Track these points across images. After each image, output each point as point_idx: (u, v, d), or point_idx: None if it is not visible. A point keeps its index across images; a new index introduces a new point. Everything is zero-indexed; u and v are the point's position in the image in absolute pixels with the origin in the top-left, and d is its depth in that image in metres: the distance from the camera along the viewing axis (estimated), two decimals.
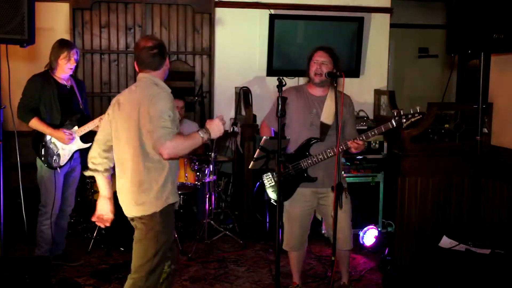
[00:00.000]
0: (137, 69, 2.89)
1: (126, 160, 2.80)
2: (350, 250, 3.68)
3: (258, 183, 3.73)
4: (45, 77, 3.97)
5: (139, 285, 2.79)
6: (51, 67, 4.00)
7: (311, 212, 3.63)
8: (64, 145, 4.01)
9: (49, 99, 3.95)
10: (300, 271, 3.74)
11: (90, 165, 2.97)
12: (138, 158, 2.74)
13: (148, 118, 2.66)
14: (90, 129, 4.08)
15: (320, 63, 3.42)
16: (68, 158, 4.05)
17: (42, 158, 3.98)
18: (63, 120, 4.02)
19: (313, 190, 3.52)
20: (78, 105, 4.13)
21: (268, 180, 3.64)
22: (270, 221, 4.93)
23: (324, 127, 3.45)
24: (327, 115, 3.46)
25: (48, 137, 4.00)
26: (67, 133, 3.98)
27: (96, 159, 2.95)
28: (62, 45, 3.99)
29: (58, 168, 4.00)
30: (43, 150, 3.99)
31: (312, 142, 3.48)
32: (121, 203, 2.92)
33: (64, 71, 4.00)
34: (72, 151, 4.08)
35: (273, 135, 3.59)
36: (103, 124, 2.95)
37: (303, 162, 3.48)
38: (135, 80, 6.11)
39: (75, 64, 4.03)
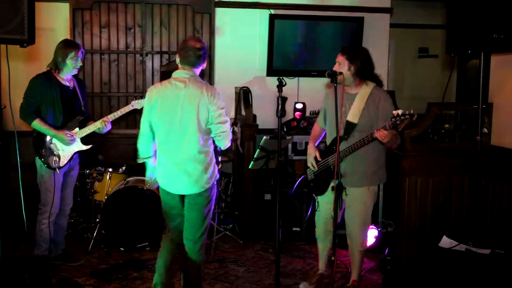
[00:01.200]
0: (178, 61, 3.26)
1: (179, 147, 3.20)
2: (363, 251, 3.74)
3: (301, 177, 4.01)
4: (48, 78, 3.98)
5: (201, 245, 3.32)
6: (57, 67, 3.99)
7: (336, 206, 3.61)
8: (64, 146, 4.02)
9: (51, 99, 3.95)
10: (324, 260, 3.89)
11: (141, 154, 3.40)
12: (196, 145, 3.19)
13: (207, 112, 3.15)
14: (91, 131, 4.09)
15: (337, 63, 3.52)
16: (68, 159, 4.06)
17: (42, 159, 3.98)
18: (65, 121, 4.03)
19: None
20: (80, 106, 4.14)
21: (310, 175, 3.82)
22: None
23: (348, 125, 3.50)
24: (353, 113, 3.50)
25: (48, 138, 4.01)
26: (69, 134, 3.99)
27: (148, 150, 3.38)
28: (69, 45, 4.01)
29: (57, 169, 4.00)
30: (43, 150, 3.99)
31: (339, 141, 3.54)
32: (174, 187, 3.29)
33: (71, 71, 4.02)
34: (72, 152, 4.08)
35: (323, 135, 3.86)
36: (145, 119, 3.33)
37: (330, 159, 3.59)
38: (135, 80, 6.14)
39: (81, 64, 4.06)
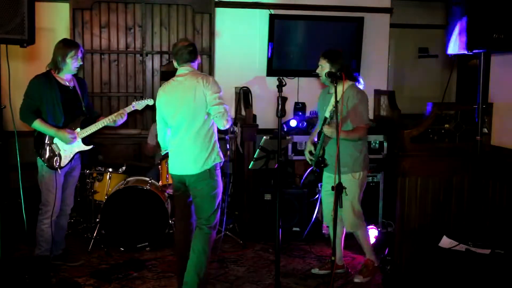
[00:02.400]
0: (175, 64, 3.63)
1: (179, 132, 3.55)
2: (361, 233, 4.05)
3: (310, 168, 4.31)
4: (47, 78, 3.97)
5: (212, 231, 3.60)
6: (56, 67, 3.98)
7: (336, 207, 3.67)
8: (65, 146, 4.01)
9: (51, 100, 3.94)
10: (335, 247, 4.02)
11: (162, 147, 3.78)
12: (193, 129, 3.51)
13: (203, 98, 3.47)
14: (92, 131, 4.09)
15: (319, 66, 3.98)
16: (69, 159, 4.05)
17: (43, 159, 3.98)
18: (66, 121, 4.02)
19: (328, 174, 4.00)
20: (80, 107, 4.12)
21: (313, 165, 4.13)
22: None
23: (324, 120, 3.89)
24: (329, 109, 3.86)
25: (49, 138, 4.00)
26: (70, 133, 3.99)
27: (165, 143, 3.73)
28: (68, 45, 4.01)
29: (58, 169, 4.00)
30: (44, 150, 3.99)
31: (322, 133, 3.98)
32: (177, 167, 3.61)
33: (71, 70, 4.01)
34: (74, 153, 4.08)
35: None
36: (157, 115, 3.67)
37: (316, 150, 4.00)
38: (135, 80, 6.15)
39: (81, 63, 4.07)
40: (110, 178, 4.75)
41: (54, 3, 5.47)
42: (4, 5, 2.93)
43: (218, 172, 3.63)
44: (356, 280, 4.02)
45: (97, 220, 4.66)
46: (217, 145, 3.62)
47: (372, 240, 4.69)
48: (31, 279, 3.18)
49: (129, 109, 4.20)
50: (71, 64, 3.97)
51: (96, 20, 5.64)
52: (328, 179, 3.99)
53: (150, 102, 4.24)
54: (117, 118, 4.11)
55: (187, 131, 3.53)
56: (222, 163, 3.67)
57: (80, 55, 4.01)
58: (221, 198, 3.68)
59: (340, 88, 3.69)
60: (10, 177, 4.52)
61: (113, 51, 5.73)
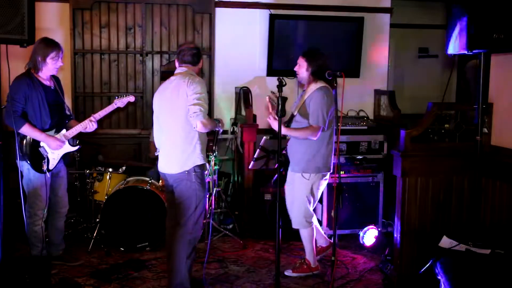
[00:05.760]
0: (177, 64, 3.69)
1: (164, 130, 3.62)
2: (303, 231, 4.05)
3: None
4: (30, 79, 3.83)
5: (186, 235, 3.53)
6: (35, 67, 3.85)
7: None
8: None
9: (36, 101, 3.82)
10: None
11: (156, 145, 3.75)
12: (174, 129, 3.54)
13: (186, 97, 3.46)
14: (78, 132, 4.03)
15: (298, 64, 4.08)
16: (57, 161, 3.99)
17: (30, 163, 3.87)
18: (52, 123, 3.93)
19: (290, 172, 4.07)
20: (63, 107, 4.05)
21: None
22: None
23: (291, 116, 4.05)
24: (296, 106, 4.04)
25: (35, 141, 3.88)
26: (59, 141, 3.93)
27: (158, 142, 3.75)
28: (49, 44, 3.87)
29: (47, 172, 3.91)
30: (31, 154, 3.88)
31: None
32: (163, 165, 3.66)
33: (51, 71, 3.90)
34: (61, 154, 4.02)
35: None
36: (154, 114, 3.74)
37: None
38: (135, 80, 6.15)
39: (62, 64, 3.97)
40: (110, 178, 4.75)
41: (54, 3, 5.46)
42: (4, 5, 2.94)
43: (201, 176, 3.57)
44: (286, 273, 4.12)
45: (97, 220, 4.66)
46: (199, 147, 3.55)
47: (372, 240, 4.69)
48: (31, 279, 3.17)
49: (112, 107, 4.09)
50: (52, 64, 3.85)
51: (96, 20, 5.64)
52: (290, 176, 4.06)
53: (131, 99, 4.14)
54: (89, 125, 4.01)
55: (169, 130, 3.58)
56: (201, 168, 3.57)
57: (61, 55, 3.89)
58: (203, 208, 3.61)
59: (311, 88, 3.92)
60: (10, 177, 4.52)
61: (113, 51, 5.72)
